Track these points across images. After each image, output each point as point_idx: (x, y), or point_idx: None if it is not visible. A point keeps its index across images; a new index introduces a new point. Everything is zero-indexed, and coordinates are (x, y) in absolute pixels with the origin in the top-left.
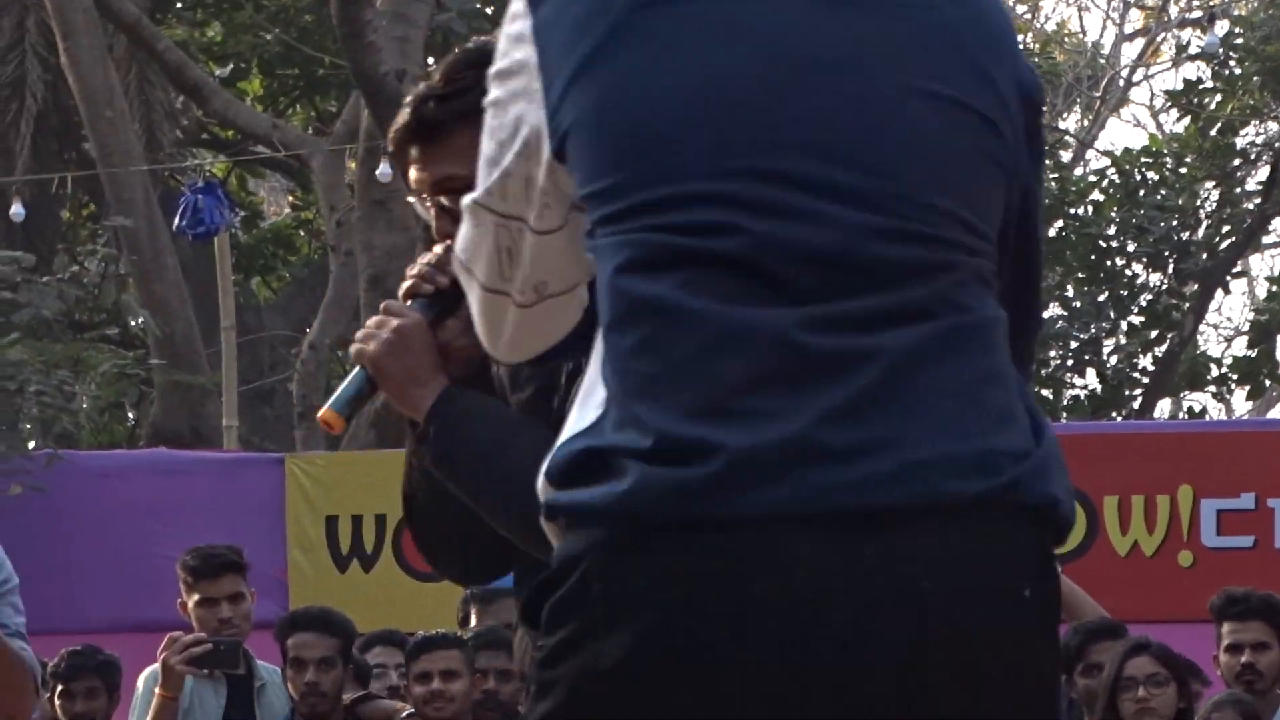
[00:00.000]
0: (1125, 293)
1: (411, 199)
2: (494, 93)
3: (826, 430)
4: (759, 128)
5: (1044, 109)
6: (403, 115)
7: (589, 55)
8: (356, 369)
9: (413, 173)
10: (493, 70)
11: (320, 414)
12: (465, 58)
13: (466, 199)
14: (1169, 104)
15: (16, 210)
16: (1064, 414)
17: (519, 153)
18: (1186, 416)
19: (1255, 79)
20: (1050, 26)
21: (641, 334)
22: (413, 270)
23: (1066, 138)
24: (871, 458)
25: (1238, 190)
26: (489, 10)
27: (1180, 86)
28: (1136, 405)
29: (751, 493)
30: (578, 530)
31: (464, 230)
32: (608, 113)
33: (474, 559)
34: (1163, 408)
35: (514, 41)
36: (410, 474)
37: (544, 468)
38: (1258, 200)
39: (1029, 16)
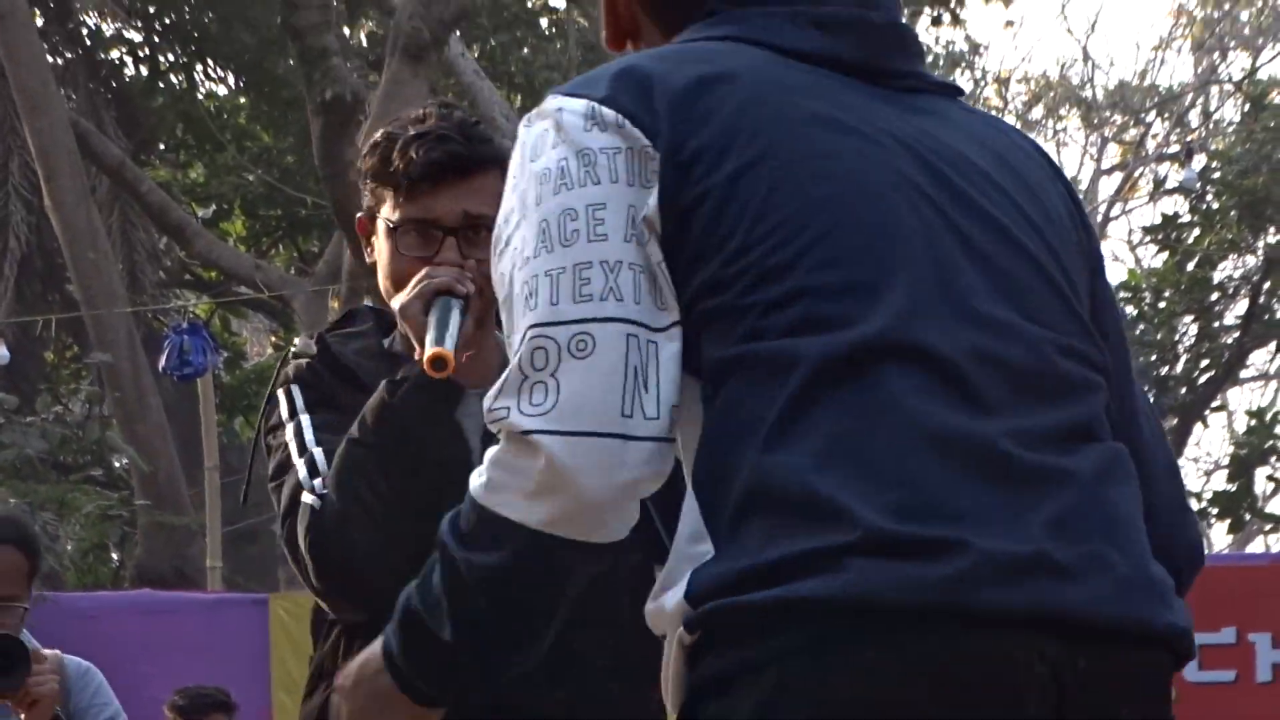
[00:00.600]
0: None
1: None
2: (554, 200)
3: (1051, 543)
4: (928, 230)
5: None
6: (445, 145)
7: (737, 123)
8: (445, 304)
9: (433, 205)
10: (540, 171)
11: (433, 351)
12: (464, 116)
13: (563, 332)
14: (1147, 238)
15: (1, 352)
16: None
17: (632, 239)
18: None
19: (1233, 213)
20: None
21: (830, 433)
22: (437, 272)
23: None
24: (1091, 575)
25: (1216, 324)
26: None
27: (1158, 221)
28: None
29: (992, 592)
30: (759, 637)
31: (570, 380)
32: (778, 179)
33: (377, 593)
34: None
35: (584, 133)
36: (378, 479)
37: (678, 591)
38: (1236, 334)
39: None
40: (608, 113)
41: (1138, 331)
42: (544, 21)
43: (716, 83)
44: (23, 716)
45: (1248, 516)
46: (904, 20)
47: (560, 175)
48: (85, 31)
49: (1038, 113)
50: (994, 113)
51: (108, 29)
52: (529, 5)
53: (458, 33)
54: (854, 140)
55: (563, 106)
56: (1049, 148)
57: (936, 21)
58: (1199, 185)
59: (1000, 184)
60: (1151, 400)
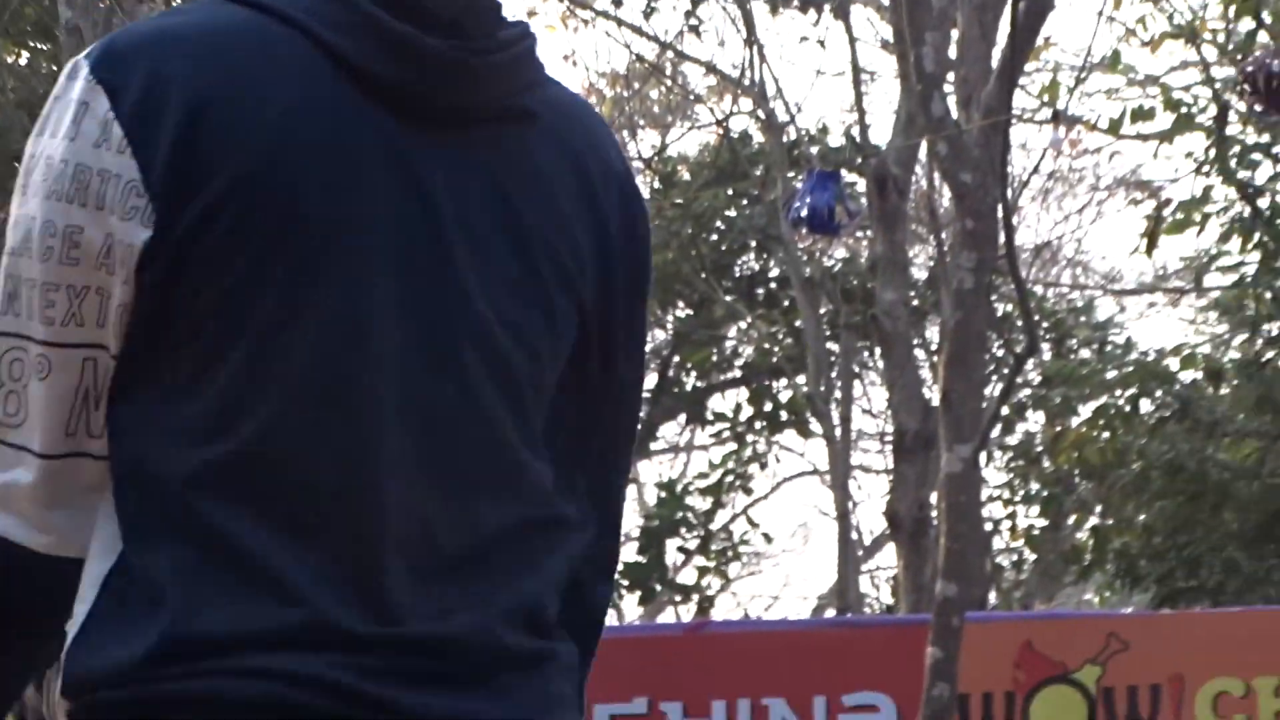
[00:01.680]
0: None
1: None
2: (45, 202)
3: None
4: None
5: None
6: None
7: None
8: None
9: None
10: (45, 154)
11: None
12: None
13: None
14: None
15: None
16: None
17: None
18: None
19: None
20: None
21: None
22: None
23: None
24: None
25: None
26: None
27: None
28: None
29: None
30: None
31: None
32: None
33: None
34: None
35: (93, 147)
36: None
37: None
38: (647, 407)
39: None
40: (117, 132)
41: None
42: None
43: (234, 105)
44: None
45: (659, 587)
46: (494, 57)
47: (56, 178)
48: None
49: None
50: None
51: None
52: None
53: None
54: (341, 257)
55: (89, 100)
56: None
57: None
58: None
59: (490, 279)
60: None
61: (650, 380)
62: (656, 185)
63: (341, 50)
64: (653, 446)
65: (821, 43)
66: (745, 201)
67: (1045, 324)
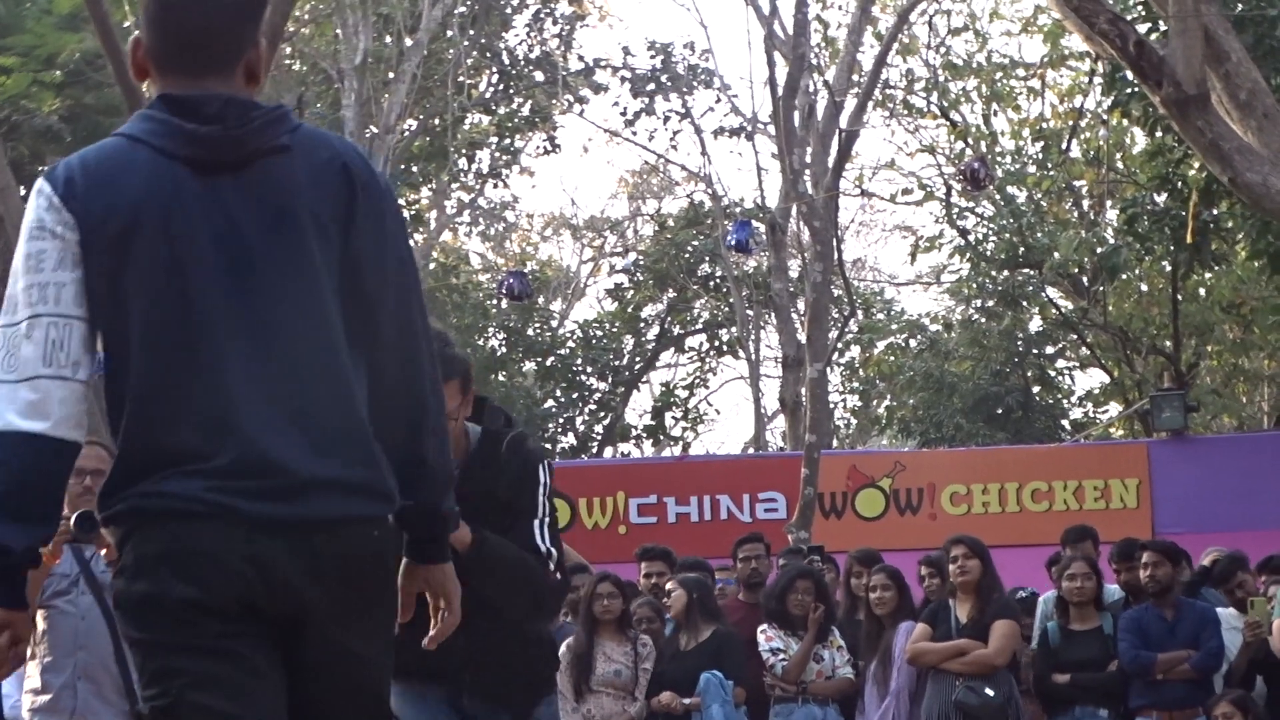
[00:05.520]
0: (586, 394)
1: None
2: (29, 244)
3: None
4: (215, 314)
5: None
6: None
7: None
8: None
9: None
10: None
11: None
12: None
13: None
14: (607, 297)
15: None
16: (556, 456)
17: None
18: (622, 456)
19: (651, 282)
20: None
21: None
22: None
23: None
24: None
25: (643, 338)
26: None
27: (612, 288)
28: (594, 451)
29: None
30: None
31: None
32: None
33: None
34: (607, 452)
35: (44, 211)
36: None
37: None
38: (653, 344)
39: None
40: (55, 200)
41: (604, 344)
42: None
43: (111, 189)
44: (103, 552)
45: (662, 437)
46: (246, 129)
47: (34, 227)
48: None
49: (548, 233)
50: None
51: None
52: None
53: None
54: (180, 246)
55: (41, 188)
56: (562, 254)
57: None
58: (634, 269)
59: (264, 242)
60: (609, 380)
61: (653, 331)
62: (657, 229)
63: (161, 147)
64: (657, 364)
65: (740, 154)
66: (703, 236)
67: (859, 300)
